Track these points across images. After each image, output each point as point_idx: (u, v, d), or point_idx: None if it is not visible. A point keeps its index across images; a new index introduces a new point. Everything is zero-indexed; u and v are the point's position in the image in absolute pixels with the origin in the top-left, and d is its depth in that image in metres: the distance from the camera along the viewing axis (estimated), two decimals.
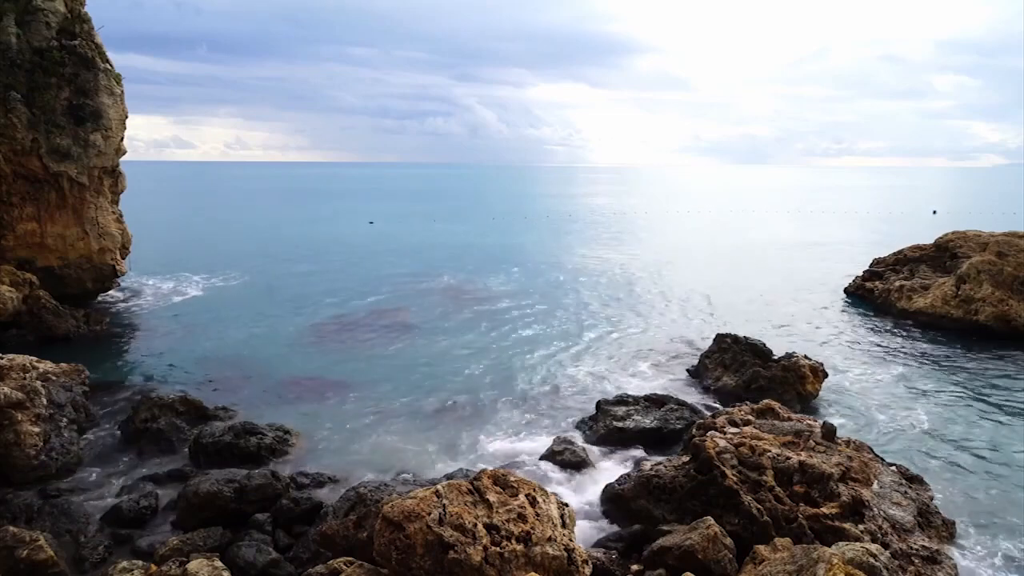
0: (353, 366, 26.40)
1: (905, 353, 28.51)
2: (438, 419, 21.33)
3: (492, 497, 11.36)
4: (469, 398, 23.14)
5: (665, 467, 15.49)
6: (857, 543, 10.97)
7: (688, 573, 11.81)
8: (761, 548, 12.28)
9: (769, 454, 14.79)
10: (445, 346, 29.41)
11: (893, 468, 16.24)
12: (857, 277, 40.55)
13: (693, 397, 23.01)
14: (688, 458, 15.22)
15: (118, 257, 35.73)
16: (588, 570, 11.24)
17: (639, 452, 18.92)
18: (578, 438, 19.77)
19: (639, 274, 47.78)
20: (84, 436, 19.27)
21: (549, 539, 10.97)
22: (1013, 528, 15.16)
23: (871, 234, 73.72)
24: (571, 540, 11.42)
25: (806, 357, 23.86)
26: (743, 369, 23.76)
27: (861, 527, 13.25)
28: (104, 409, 21.49)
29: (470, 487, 11.57)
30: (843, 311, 36.74)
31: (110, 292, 37.15)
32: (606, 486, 16.11)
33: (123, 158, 35.84)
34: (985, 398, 23.19)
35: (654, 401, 21.36)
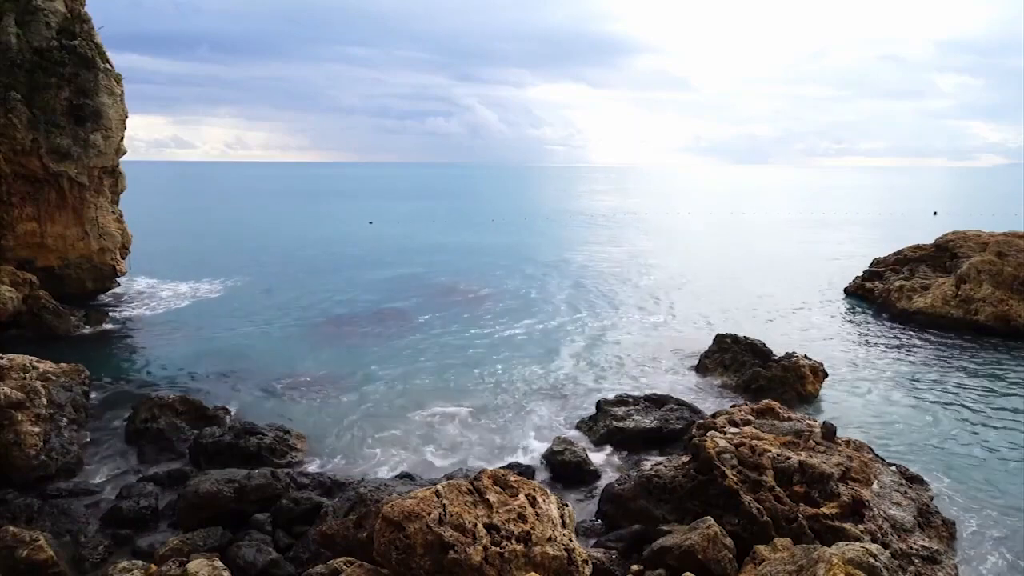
0: (353, 366, 26.39)
1: (905, 353, 28.50)
2: (438, 419, 21.33)
3: (492, 497, 11.36)
4: (469, 398, 23.14)
5: (665, 467, 15.49)
6: (857, 543, 10.97)
7: (688, 573, 11.81)
8: (761, 548, 12.28)
9: (769, 454, 14.79)
10: (445, 346, 29.41)
11: (893, 468, 16.24)
12: (857, 277, 40.56)
13: (693, 397, 23.01)
14: (688, 458, 15.22)
15: (118, 257, 35.74)
16: (588, 570, 11.23)
17: (639, 452, 18.93)
18: (578, 438, 19.78)
19: (639, 274, 47.81)
20: (84, 436, 19.28)
21: (549, 539, 10.97)
22: (1013, 528, 15.16)
23: (871, 234, 73.74)
24: (571, 540, 11.42)
25: (806, 357, 23.86)
26: (743, 369, 23.77)
27: (861, 527, 13.25)
28: (104, 409, 21.50)
29: (470, 487, 11.56)
30: (843, 311, 36.74)
31: (110, 292, 37.13)
32: (606, 486, 16.10)
33: (123, 158, 35.84)
34: (985, 398, 23.18)
35: (654, 401, 21.37)
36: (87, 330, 30.25)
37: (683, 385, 24.71)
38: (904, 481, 15.63)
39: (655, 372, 26.27)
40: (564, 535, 11.31)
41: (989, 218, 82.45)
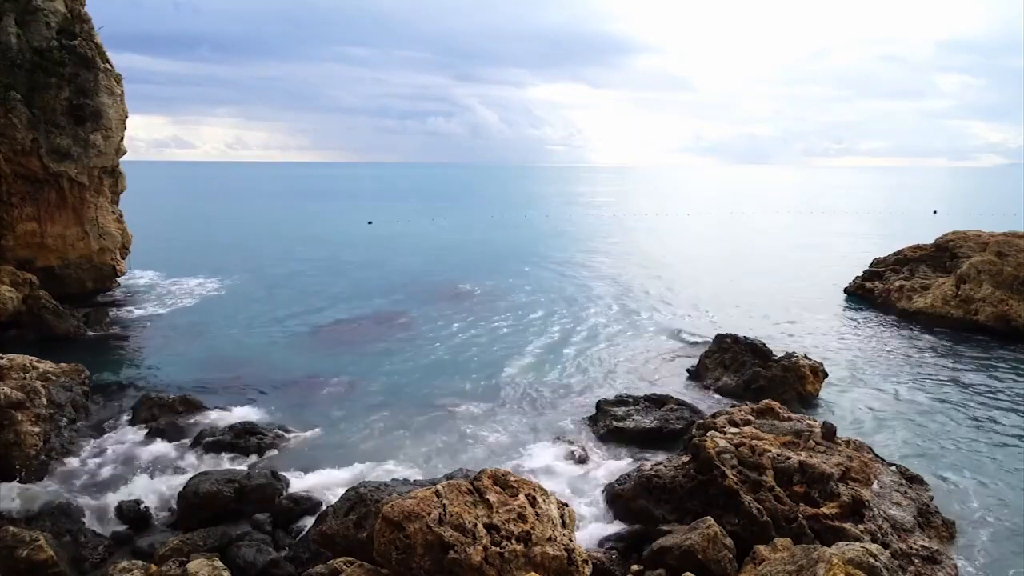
0: (353, 366, 26.39)
1: (905, 353, 28.49)
2: (438, 419, 21.32)
3: (492, 497, 11.35)
4: (469, 398, 23.12)
5: (665, 467, 15.48)
6: (857, 543, 10.97)
7: (688, 573, 11.81)
8: (761, 548, 12.28)
9: (769, 454, 14.79)
10: (445, 346, 29.41)
11: (893, 468, 16.24)
12: (857, 277, 40.56)
13: (693, 397, 23.01)
14: (688, 458, 15.22)
15: (118, 257, 35.76)
16: (588, 570, 11.23)
17: (639, 452, 18.92)
18: (578, 438, 19.77)
19: (639, 274, 47.78)
20: (84, 436, 19.27)
21: (549, 539, 10.96)
22: (1013, 528, 15.16)
23: (871, 234, 73.73)
24: (571, 540, 11.42)
25: (806, 357, 23.86)
26: (743, 369, 23.75)
27: (861, 527, 13.25)
28: (104, 409, 21.49)
29: (470, 487, 11.56)
30: (843, 311, 36.73)
31: (110, 292, 37.15)
32: (606, 486, 16.11)
33: (123, 158, 35.86)
34: (985, 398, 23.18)
35: (654, 401, 21.36)
36: (87, 330, 30.24)
37: (683, 385, 24.71)
38: (904, 481, 15.63)
39: (655, 372, 26.26)
40: (564, 535, 11.31)
41: (989, 218, 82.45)
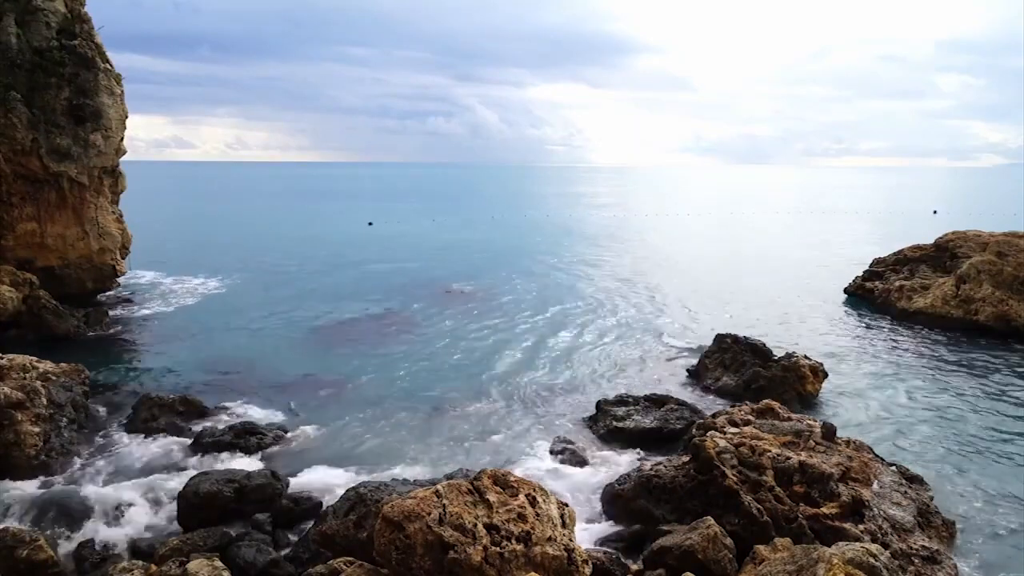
0: (352, 366, 26.39)
1: (905, 353, 28.49)
2: (438, 419, 21.33)
3: (492, 497, 11.35)
4: (469, 398, 23.13)
5: (665, 467, 15.49)
6: (857, 543, 10.96)
7: (688, 573, 11.80)
8: (761, 548, 12.28)
9: (769, 454, 14.80)
10: (444, 346, 29.40)
11: (893, 468, 16.24)
12: (857, 277, 40.55)
13: (693, 397, 23.01)
14: (688, 458, 15.22)
15: (118, 257, 35.72)
16: (588, 570, 11.23)
17: (639, 452, 18.93)
18: (578, 438, 19.78)
19: (639, 274, 47.78)
20: (84, 436, 19.27)
21: (549, 539, 10.96)
22: (1013, 528, 15.15)
23: (871, 234, 73.72)
24: (571, 540, 11.42)
25: (806, 357, 23.86)
26: (743, 369, 23.76)
27: (861, 527, 13.26)
28: (104, 409, 21.48)
29: (470, 487, 11.56)
30: (843, 311, 36.73)
31: (110, 292, 37.14)
32: (606, 486, 16.11)
33: (123, 158, 35.83)
34: (985, 398, 23.18)
35: (654, 401, 21.36)
36: (87, 330, 30.23)
37: (683, 385, 24.71)
38: (904, 481, 15.63)
39: (655, 372, 26.26)
40: (564, 535, 11.31)
41: (989, 218, 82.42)
